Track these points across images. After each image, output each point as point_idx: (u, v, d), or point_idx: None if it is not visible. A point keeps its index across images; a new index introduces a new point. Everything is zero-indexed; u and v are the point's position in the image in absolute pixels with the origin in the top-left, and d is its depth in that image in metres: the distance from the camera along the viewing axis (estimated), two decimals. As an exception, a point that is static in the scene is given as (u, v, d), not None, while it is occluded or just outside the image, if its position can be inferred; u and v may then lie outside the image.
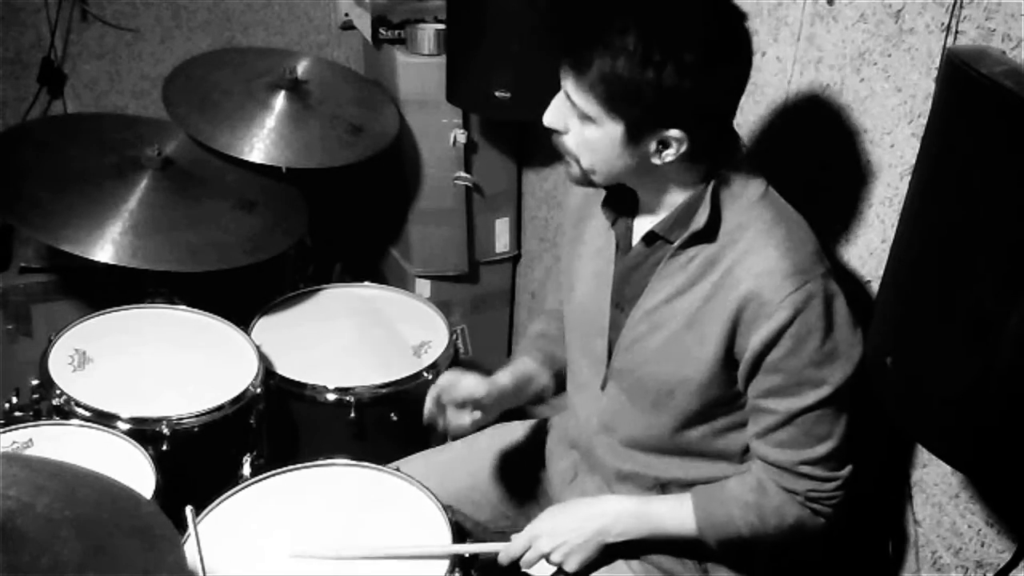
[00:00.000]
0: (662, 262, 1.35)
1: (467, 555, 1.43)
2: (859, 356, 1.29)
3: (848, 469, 1.35)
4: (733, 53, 1.24)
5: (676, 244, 1.32)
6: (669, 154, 1.26)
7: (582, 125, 1.28)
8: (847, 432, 1.33)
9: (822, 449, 1.32)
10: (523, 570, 1.44)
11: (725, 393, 1.36)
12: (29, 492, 0.96)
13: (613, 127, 1.25)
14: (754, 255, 1.28)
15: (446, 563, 1.39)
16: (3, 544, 0.88)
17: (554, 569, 1.43)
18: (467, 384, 1.47)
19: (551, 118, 1.32)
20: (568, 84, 1.27)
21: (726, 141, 1.34)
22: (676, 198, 1.34)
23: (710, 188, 1.30)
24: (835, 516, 1.38)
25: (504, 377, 1.53)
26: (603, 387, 1.46)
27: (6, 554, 0.87)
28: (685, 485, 1.45)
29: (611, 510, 1.42)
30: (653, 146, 1.26)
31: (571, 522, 1.42)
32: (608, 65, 1.20)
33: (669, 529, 1.41)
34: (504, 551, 1.43)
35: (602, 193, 1.45)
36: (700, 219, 1.30)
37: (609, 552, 1.45)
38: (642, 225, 1.41)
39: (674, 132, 1.23)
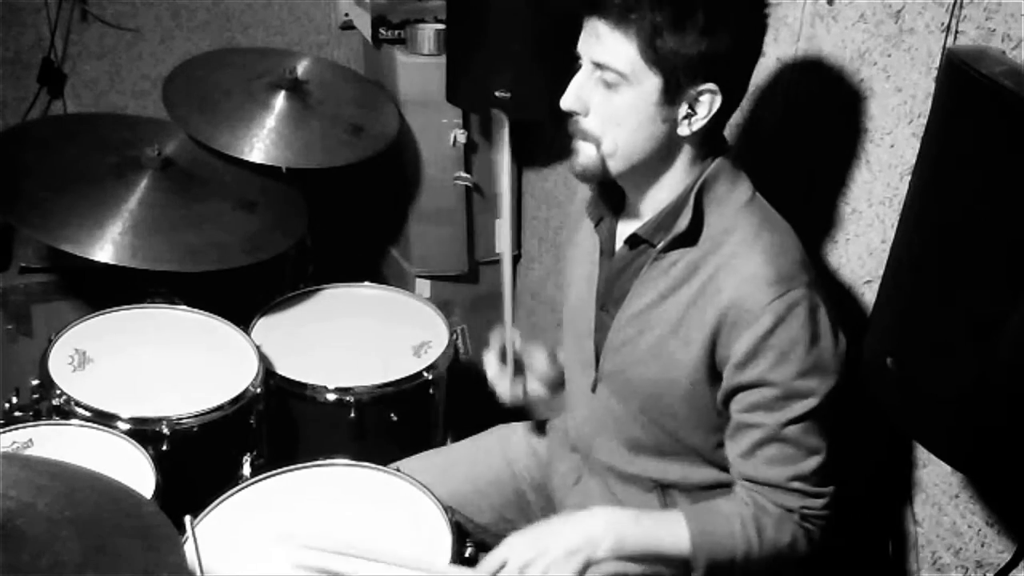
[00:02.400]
0: (645, 266, 1.35)
1: None
2: (841, 367, 1.27)
3: (832, 488, 1.32)
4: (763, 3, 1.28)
5: (659, 248, 1.32)
6: (697, 120, 1.26)
7: (610, 94, 1.26)
8: (833, 447, 1.30)
9: (813, 463, 1.30)
10: None
11: (712, 402, 1.34)
12: (29, 492, 0.96)
13: (649, 83, 1.23)
14: (738, 261, 1.27)
15: (446, 562, 1.39)
16: (3, 544, 0.88)
17: None
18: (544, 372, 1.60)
19: (571, 99, 1.29)
20: (602, 41, 1.24)
21: (722, 132, 1.34)
22: (665, 199, 1.34)
23: (694, 192, 1.30)
24: (821, 539, 1.34)
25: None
26: (594, 389, 1.46)
27: (6, 554, 0.87)
28: (686, 488, 1.44)
29: (599, 522, 1.30)
30: (684, 109, 1.25)
31: (553, 533, 1.30)
32: (656, 3, 1.19)
33: (663, 547, 1.30)
34: (477, 571, 1.31)
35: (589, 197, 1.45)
36: (682, 222, 1.30)
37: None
38: (625, 228, 1.41)
39: (709, 85, 1.23)
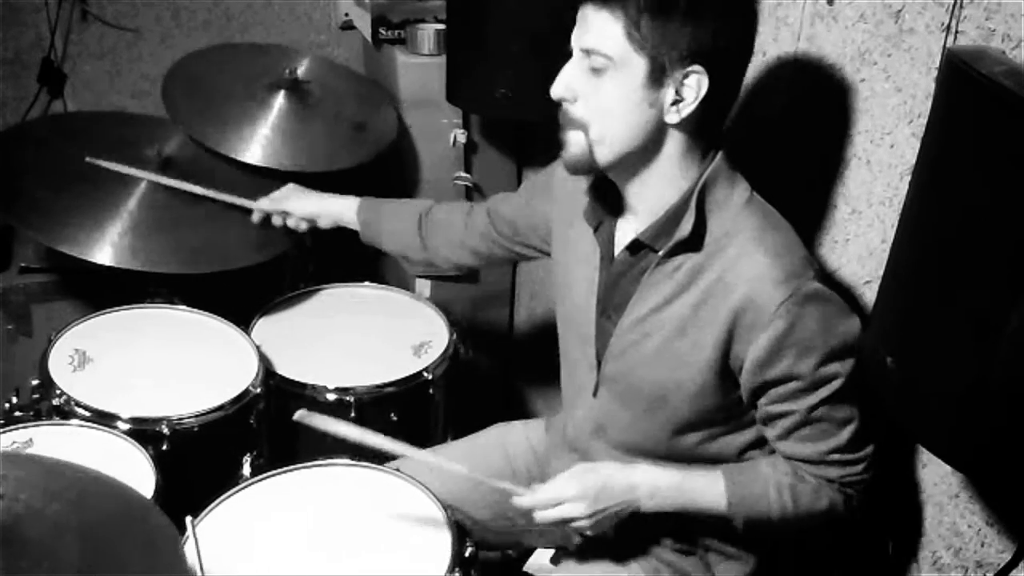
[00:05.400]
0: (648, 271, 1.34)
1: (484, 481, 1.44)
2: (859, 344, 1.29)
3: (871, 447, 1.36)
4: None
5: (661, 253, 1.32)
6: (686, 105, 1.25)
7: (598, 81, 1.26)
8: (863, 411, 1.34)
9: (846, 433, 1.33)
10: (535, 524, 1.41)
11: (720, 401, 1.35)
12: (41, 498, 0.96)
13: (635, 66, 1.24)
14: (745, 261, 1.28)
15: (446, 562, 1.39)
16: (4, 551, 0.88)
17: (552, 553, 1.42)
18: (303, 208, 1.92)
19: (560, 87, 1.30)
20: (589, 26, 1.26)
21: (720, 131, 1.34)
22: (663, 200, 1.33)
23: (695, 195, 1.30)
24: (862, 500, 1.39)
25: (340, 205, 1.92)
26: (595, 393, 1.46)
27: (5, 560, 0.87)
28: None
29: (647, 483, 1.38)
30: (671, 94, 1.25)
31: (607, 494, 1.37)
32: None
33: (701, 504, 1.39)
34: (527, 500, 1.39)
35: (583, 200, 1.44)
36: (685, 227, 1.30)
37: (621, 553, 1.44)
38: (624, 232, 1.40)
39: (695, 68, 1.23)
